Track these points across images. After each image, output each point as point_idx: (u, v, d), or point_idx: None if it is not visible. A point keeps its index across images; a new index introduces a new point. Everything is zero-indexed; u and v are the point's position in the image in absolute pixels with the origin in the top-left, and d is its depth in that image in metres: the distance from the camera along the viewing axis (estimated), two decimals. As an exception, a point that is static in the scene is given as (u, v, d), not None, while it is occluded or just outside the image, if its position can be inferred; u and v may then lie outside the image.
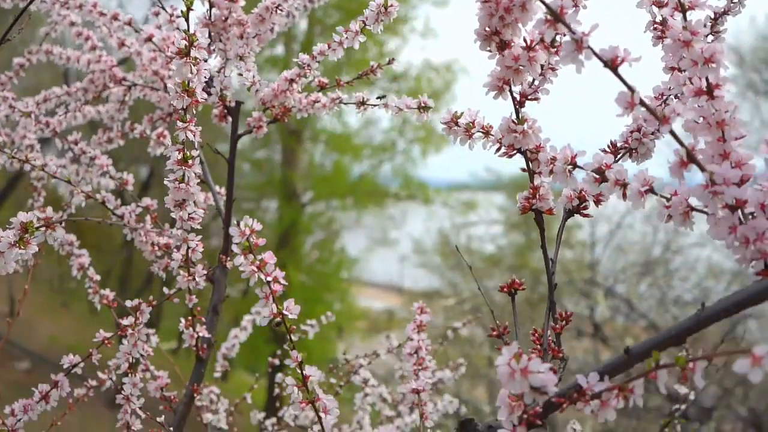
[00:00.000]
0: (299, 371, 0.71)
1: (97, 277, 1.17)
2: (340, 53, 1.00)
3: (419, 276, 11.37)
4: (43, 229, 0.71)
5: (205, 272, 0.97)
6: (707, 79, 0.58)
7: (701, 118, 0.59)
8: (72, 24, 1.27)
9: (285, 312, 0.69)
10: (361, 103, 1.04)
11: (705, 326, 0.54)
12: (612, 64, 0.55)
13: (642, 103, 0.55)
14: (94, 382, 1.19)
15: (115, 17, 1.17)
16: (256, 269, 0.67)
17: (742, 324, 6.52)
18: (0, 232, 0.72)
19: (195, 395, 1.06)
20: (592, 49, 0.55)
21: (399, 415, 1.51)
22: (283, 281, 0.68)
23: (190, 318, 1.03)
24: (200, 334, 1.04)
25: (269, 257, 0.68)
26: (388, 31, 11.13)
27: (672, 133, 0.56)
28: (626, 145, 0.74)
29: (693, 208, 0.59)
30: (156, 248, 1.11)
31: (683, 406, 1.18)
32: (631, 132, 0.74)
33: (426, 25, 10.93)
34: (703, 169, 0.56)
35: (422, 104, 0.93)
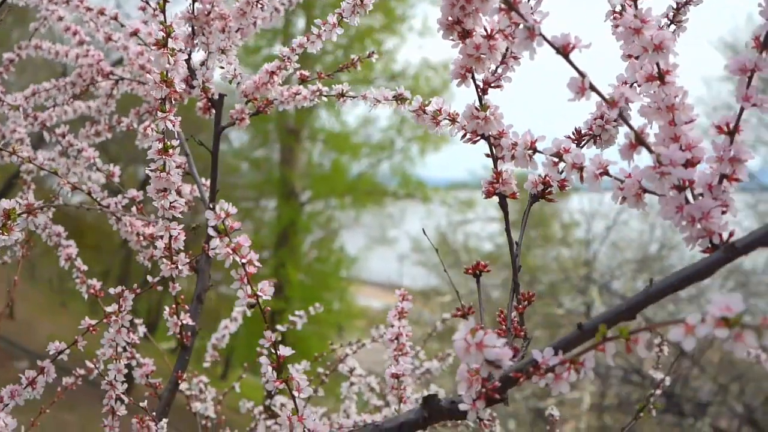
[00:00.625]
0: (274, 352, 0.73)
1: (84, 267, 1.20)
2: (318, 45, 1.03)
3: (418, 274, 11.41)
4: (25, 215, 0.74)
5: (187, 260, 0.99)
6: (658, 65, 0.61)
7: (654, 103, 0.62)
8: (60, 19, 1.29)
9: (259, 293, 0.71)
10: (341, 95, 1.06)
11: (654, 301, 0.57)
12: (564, 51, 0.57)
13: (592, 87, 0.57)
14: (81, 371, 1.22)
15: (101, 12, 1.19)
16: (231, 251, 0.70)
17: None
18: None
19: (179, 381, 1.08)
20: (544, 37, 0.57)
21: (387, 405, 1.53)
22: (257, 263, 0.71)
23: (173, 306, 1.05)
24: (184, 322, 1.06)
25: (244, 240, 0.70)
26: (386, 30, 11.18)
27: (621, 116, 0.58)
28: (590, 132, 0.77)
29: (645, 190, 0.62)
30: (141, 238, 1.14)
31: (658, 392, 1.21)
32: (595, 119, 0.76)
33: (424, 24, 10.95)
34: (651, 151, 0.58)
35: (398, 96, 0.95)
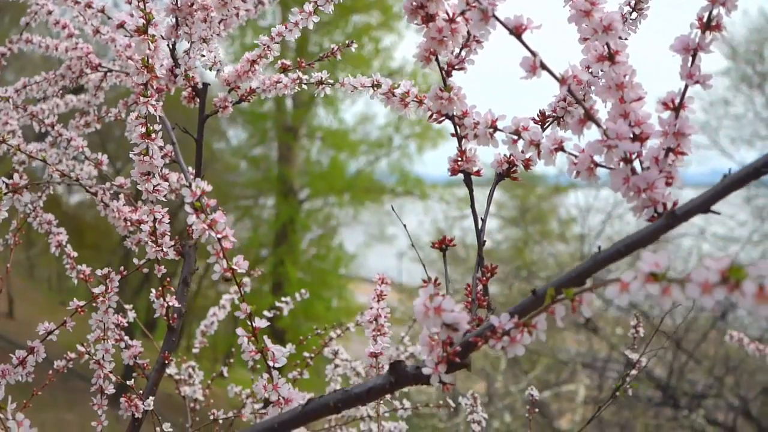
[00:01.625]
0: (249, 323, 0.76)
1: (75, 254, 1.23)
2: (296, 33, 1.06)
3: (417, 271, 11.43)
4: (10, 194, 0.77)
5: (172, 243, 1.02)
6: (608, 45, 0.64)
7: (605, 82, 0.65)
8: (49, 13, 1.32)
9: (235, 267, 0.74)
10: (320, 83, 1.10)
11: (602, 267, 0.60)
12: (516, 32, 0.61)
13: (543, 66, 0.61)
14: (73, 354, 1.25)
15: (88, 5, 1.22)
16: (207, 227, 0.73)
17: (732, 312, 6.60)
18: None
19: (166, 362, 1.12)
20: (497, 18, 0.60)
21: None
22: (233, 239, 0.74)
23: (160, 288, 1.09)
24: (170, 304, 1.09)
25: (219, 216, 0.74)
26: (383, 27, 11.20)
27: (571, 93, 0.61)
28: (554, 114, 0.80)
29: (597, 164, 0.65)
30: (128, 224, 1.17)
31: (634, 372, 1.24)
32: (558, 101, 0.80)
33: (420, 20, 10.96)
34: (599, 126, 0.61)
35: (375, 83, 0.98)
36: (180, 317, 1.13)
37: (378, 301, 1.11)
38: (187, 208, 0.73)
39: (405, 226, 0.84)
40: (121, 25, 1.17)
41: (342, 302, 11.36)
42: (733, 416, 6.31)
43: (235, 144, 11.91)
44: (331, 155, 12.01)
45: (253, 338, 0.76)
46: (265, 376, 0.76)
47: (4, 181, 0.76)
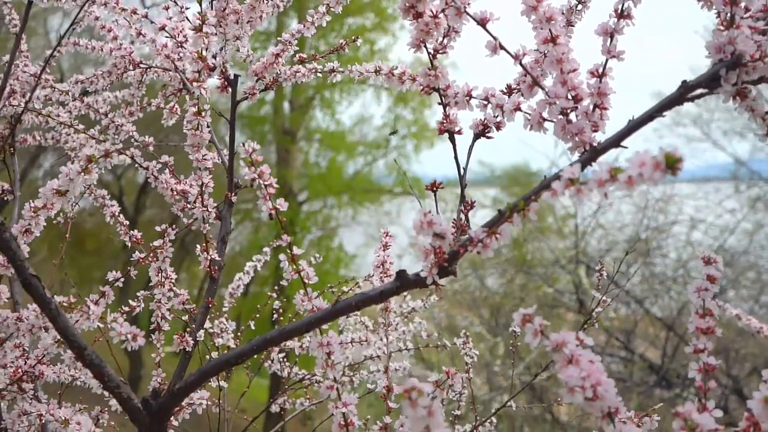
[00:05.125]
0: (289, 251, 1.00)
1: (127, 222, 1.46)
2: (312, 30, 1.29)
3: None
4: (102, 158, 1.00)
5: (215, 205, 1.26)
6: (550, 31, 0.87)
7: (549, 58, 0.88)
8: (97, 19, 1.55)
9: (278, 206, 0.98)
10: (332, 71, 1.33)
11: (547, 188, 0.83)
12: (482, 23, 0.84)
13: (501, 47, 0.84)
14: (126, 308, 1.47)
15: (134, 12, 1.45)
16: (256, 177, 0.96)
17: (721, 296, 6.84)
18: (70, 166, 1.01)
19: (210, 306, 1.35)
20: (468, 13, 0.84)
21: (382, 339, 1.80)
22: (275, 185, 0.97)
23: (204, 244, 1.32)
24: (212, 258, 1.33)
25: (266, 168, 0.97)
26: (378, 28, 11.44)
27: (522, 65, 0.85)
28: (517, 87, 1.03)
29: (544, 119, 0.88)
30: (174, 193, 1.39)
31: (599, 309, 1.46)
32: (521, 77, 1.03)
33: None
34: (543, 89, 0.85)
35: (377, 68, 1.22)
36: (220, 269, 1.36)
37: (384, 250, 1.34)
38: (242, 163, 0.96)
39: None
40: (162, 28, 1.41)
41: (343, 301, 11.51)
42: (725, 396, 6.55)
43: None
44: (329, 157, 12.22)
45: (292, 261, 0.99)
46: (301, 291, 0.99)
47: (97, 148, 0.99)
